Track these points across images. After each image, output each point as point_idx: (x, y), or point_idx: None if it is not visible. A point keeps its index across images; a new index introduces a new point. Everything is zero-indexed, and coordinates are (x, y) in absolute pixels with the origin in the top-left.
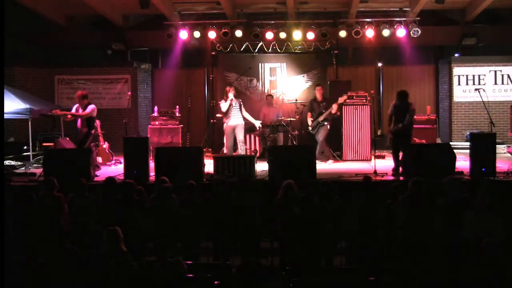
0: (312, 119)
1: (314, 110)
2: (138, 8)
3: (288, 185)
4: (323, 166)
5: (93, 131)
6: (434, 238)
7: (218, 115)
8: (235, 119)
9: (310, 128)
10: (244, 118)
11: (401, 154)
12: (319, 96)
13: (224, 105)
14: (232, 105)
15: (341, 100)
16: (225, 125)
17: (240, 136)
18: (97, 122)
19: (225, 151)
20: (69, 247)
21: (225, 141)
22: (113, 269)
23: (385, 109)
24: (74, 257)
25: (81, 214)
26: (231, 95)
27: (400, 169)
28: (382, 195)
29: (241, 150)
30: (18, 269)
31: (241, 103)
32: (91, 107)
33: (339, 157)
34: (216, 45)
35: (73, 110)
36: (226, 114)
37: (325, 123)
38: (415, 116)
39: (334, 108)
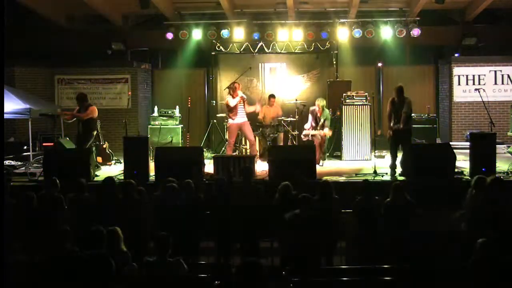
0: (309, 127)
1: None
2: (138, 8)
3: (285, 186)
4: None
5: (94, 133)
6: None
7: (218, 115)
8: (241, 117)
9: (302, 135)
10: (247, 114)
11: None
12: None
13: (232, 101)
14: (240, 102)
15: (328, 134)
16: (230, 121)
17: (250, 136)
18: (98, 122)
19: (227, 149)
20: (69, 247)
21: (228, 138)
22: (113, 269)
23: (385, 109)
24: (74, 257)
25: (81, 214)
26: (240, 92)
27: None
28: (382, 195)
29: (252, 151)
30: (18, 269)
31: (245, 99)
32: (91, 108)
33: (339, 157)
34: (216, 45)
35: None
36: (232, 110)
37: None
38: (415, 116)
39: (326, 132)
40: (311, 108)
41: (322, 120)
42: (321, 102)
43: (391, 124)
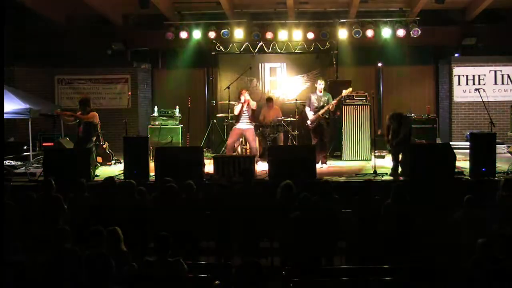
0: (312, 112)
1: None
2: (138, 8)
3: (287, 185)
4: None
5: (93, 138)
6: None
7: (218, 115)
8: (244, 123)
9: (309, 122)
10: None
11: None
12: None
13: (236, 108)
14: (243, 108)
15: (345, 92)
16: (235, 126)
17: (252, 143)
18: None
19: (226, 151)
20: (69, 247)
21: (228, 139)
22: (113, 269)
23: (385, 109)
24: (74, 257)
25: (81, 214)
26: (243, 98)
27: (400, 169)
28: (382, 195)
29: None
30: (18, 269)
31: (251, 105)
32: (92, 113)
33: (339, 157)
34: (216, 45)
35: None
36: (237, 117)
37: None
38: (415, 116)
39: (335, 102)
40: (310, 96)
41: (325, 98)
42: (321, 80)
43: (389, 137)
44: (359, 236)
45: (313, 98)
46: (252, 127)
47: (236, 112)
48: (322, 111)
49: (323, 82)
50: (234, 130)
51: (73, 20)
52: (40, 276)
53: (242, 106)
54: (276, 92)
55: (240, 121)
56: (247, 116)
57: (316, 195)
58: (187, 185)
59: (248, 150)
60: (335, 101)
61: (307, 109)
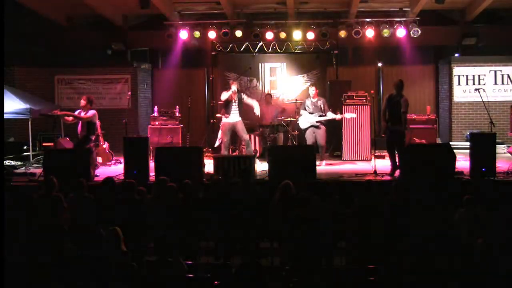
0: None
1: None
2: (138, 8)
3: (286, 185)
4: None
5: (93, 137)
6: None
7: (218, 115)
8: (234, 116)
9: (300, 122)
10: (245, 110)
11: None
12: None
13: (224, 94)
14: (233, 99)
15: (347, 116)
16: (223, 120)
17: (244, 135)
18: (98, 123)
19: (222, 149)
20: (69, 247)
21: (221, 138)
22: (113, 269)
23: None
24: (74, 257)
25: (81, 214)
26: (234, 87)
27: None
28: (382, 195)
29: (248, 152)
30: (18, 269)
31: (242, 98)
32: (92, 112)
33: (339, 157)
34: (216, 45)
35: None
36: (226, 108)
37: (319, 124)
38: (415, 116)
39: (337, 117)
40: (305, 100)
41: (319, 102)
42: (312, 87)
43: (387, 123)
44: (359, 236)
45: (308, 103)
46: (240, 119)
47: (223, 97)
48: (319, 119)
49: (314, 88)
50: (224, 126)
51: (73, 20)
52: (40, 276)
53: (232, 95)
54: (276, 92)
55: (231, 113)
56: (237, 109)
57: (316, 195)
58: (185, 185)
59: (243, 149)
60: (337, 118)
61: (303, 112)
